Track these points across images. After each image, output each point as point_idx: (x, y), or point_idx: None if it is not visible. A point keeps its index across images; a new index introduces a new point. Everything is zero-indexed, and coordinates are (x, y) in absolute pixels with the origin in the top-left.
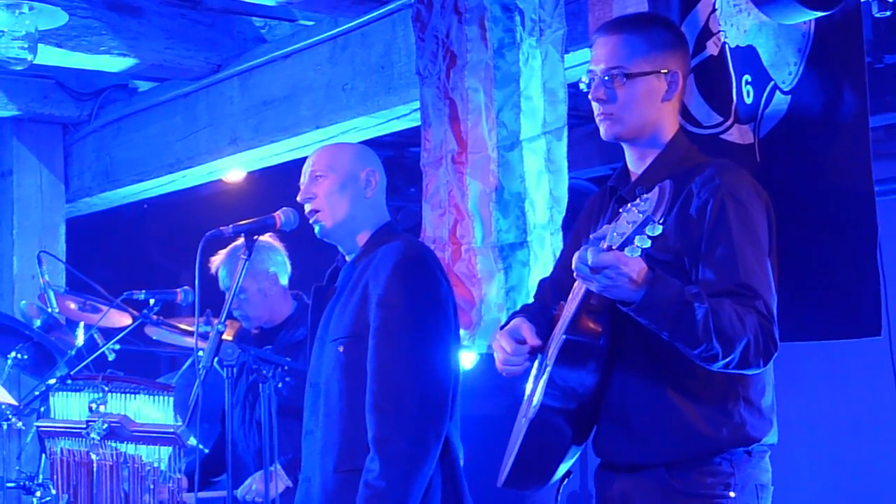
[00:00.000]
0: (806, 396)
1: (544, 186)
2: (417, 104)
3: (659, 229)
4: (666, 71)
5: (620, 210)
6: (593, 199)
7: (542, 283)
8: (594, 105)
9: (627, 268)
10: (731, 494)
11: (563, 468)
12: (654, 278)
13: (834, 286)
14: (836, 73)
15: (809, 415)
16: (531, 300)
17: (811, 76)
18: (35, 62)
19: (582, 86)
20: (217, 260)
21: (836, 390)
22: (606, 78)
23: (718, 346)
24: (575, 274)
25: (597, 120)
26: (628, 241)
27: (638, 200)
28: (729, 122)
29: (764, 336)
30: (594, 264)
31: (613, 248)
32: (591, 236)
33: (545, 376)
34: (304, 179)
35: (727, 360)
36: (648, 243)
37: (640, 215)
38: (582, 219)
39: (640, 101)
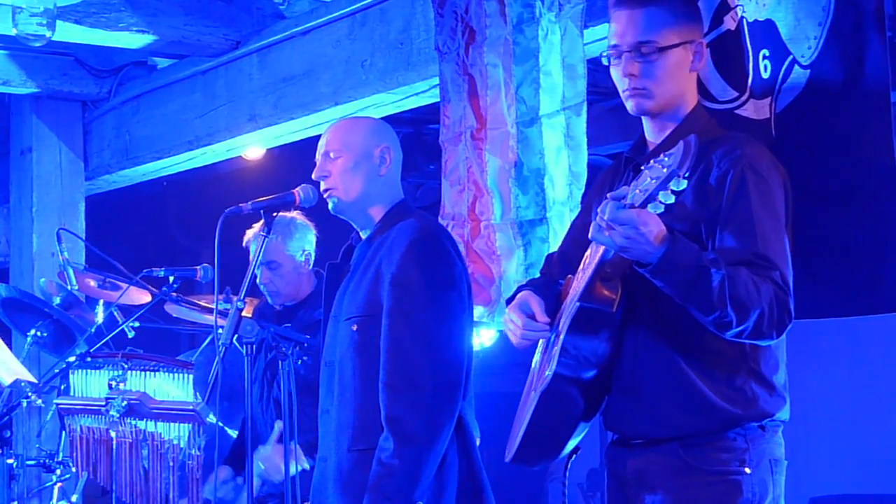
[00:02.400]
0: (825, 372)
1: (563, 162)
2: (436, 80)
3: (684, 184)
4: (691, 41)
5: (642, 167)
6: (605, 171)
7: (550, 257)
8: (622, 80)
9: (647, 227)
10: (747, 470)
11: (573, 443)
12: (673, 241)
13: (854, 261)
14: (856, 47)
15: (829, 390)
16: (537, 275)
17: (831, 50)
18: (53, 39)
19: (604, 60)
20: (251, 233)
21: (856, 366)
22: (640, 52)
23: (733, 313)
24: (591, 233)
25: (624, 95)
26: (651, 198)
27: (662, 156)
28: (744, 98)
29: (779, 306)
30: (611, 218)
31: (636, 205)
32: (608, 195)
33: (558, 346)
34: (318, 156)
35: (740, 328)
36: (672, 199)
37: (665, 170)
38: (593, 191)
39: (672, 74)
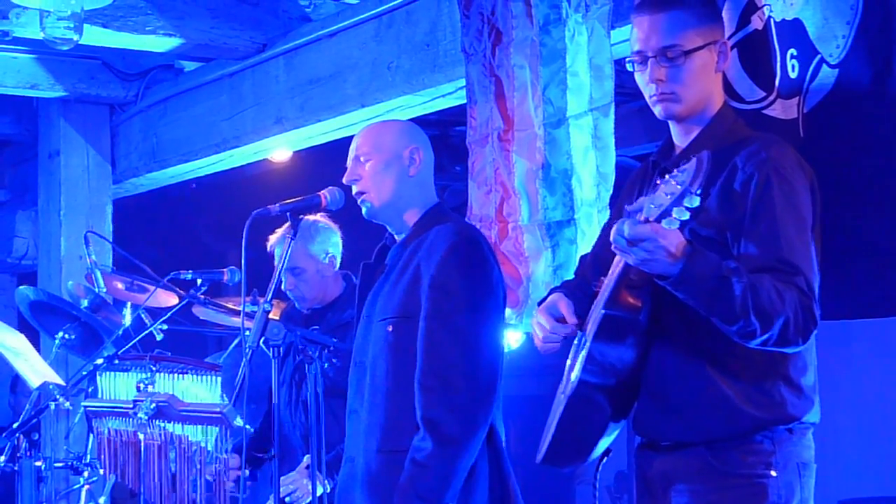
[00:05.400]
0: (854, 374)
1: (591, 163)
2: (463, 82)
3: (697, 201)
4: (714, 42)
5: (658, 182)
6: (635, 174)
7: (584, 258)
8: (648, 86)
9: (665, 240)
10: (773, 473)
11: (602, 446)
12: (693, 252)
13: (882, 262)
14: (885, 45)
15: (858, 392)
16: (567, 276)
17: (860, 49)
18: (81, 42)
19: (629, 66)
20: (274, 238)
21: (885, 368)
22: (666, 56)
23: (756, 322)
24: (613, 247)
25: (651, 100)
26: (666, 213)
27: (676, 171)
28: (772, 97)
29: (804, 313)
30: (631, 236)
31: (651, 220)
32: (626, 208)
33: (584, 352)
34: (349, 161)
35: (765, 336)
36: (687, 215)
37: (679, 186)
38: (624, 194)
39: (698, 77)
